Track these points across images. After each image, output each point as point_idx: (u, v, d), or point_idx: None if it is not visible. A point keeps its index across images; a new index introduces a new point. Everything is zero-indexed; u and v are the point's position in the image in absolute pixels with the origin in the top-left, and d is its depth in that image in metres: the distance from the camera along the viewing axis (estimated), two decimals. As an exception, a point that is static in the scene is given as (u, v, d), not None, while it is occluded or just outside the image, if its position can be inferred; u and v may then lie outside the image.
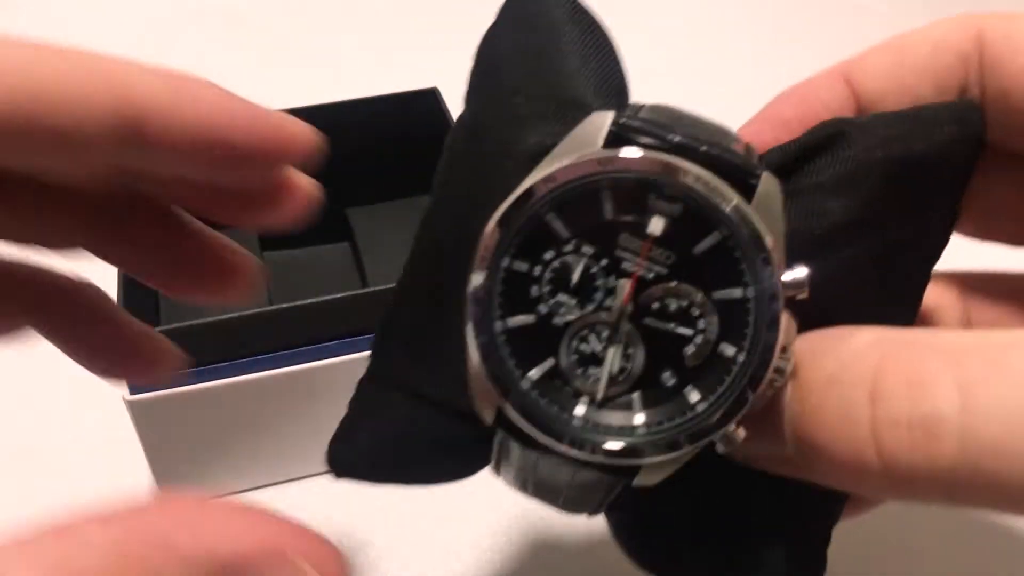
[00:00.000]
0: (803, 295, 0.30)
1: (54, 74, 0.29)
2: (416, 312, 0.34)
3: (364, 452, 0.36)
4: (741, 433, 0.30)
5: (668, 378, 0.31)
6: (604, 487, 0.32)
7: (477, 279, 0.31)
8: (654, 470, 0.31)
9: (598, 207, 0.31)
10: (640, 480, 0.31)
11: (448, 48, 1.10)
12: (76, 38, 1.13)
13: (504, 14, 0.40)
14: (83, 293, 0.39)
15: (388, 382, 0.35)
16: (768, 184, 0.30)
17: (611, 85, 0.36)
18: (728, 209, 0.30)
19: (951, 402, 0.25)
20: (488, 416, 0.31)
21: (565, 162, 0.31)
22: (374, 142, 0.70)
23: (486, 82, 0.37)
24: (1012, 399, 0.24)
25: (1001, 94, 0.33)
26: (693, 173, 0.30)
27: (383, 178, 0.74)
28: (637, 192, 0.31)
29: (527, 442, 0.31)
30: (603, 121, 0.31)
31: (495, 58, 0.37)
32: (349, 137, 0.97)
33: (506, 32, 0.38)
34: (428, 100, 0.72)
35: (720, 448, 0.31)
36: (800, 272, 0.30)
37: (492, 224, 0.31)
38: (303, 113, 0.89)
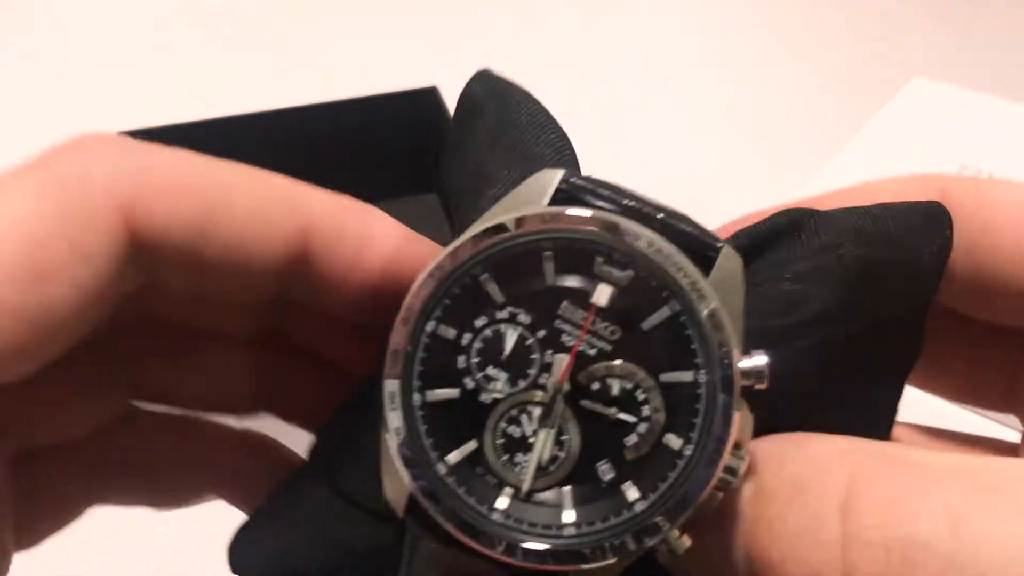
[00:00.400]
0: (762, 386, 0.27)
1: (236, 191, 0.28)
2: (357, 401, 0.32)
3: (270, 553, 0.32)
4: (685, 541, 0.27)
5: (605, 471, 0.28)
6: None
7: (397, 341, 0.28)
8: None
9: (538, 270, 0.28)
10: None
11: (448, 47, 1.10)
12: (75, 36, 1.13)
13: (467, 96, 0.38)
14: (264, 453, 0.36)
15: (315, 474, 0.32)
16: (729, 259, 0.28)
17: (565, 155, 0.33)
18: (683, 281, 0.28)
19: (937, 527, 0.23)
20: (399, 505, 0.28)
21: (503, 218, 0.28)
22: (373, 140, 0.70)
23: (459, 150, 0.36)
24: (1011, 531, 0.22)
25: (967, 258, 0.31)
26: (646, 238, 0.28)
27: (382, 176, 0.74)
28: (583, 256, 0.28)
29: (441, 539, 0.28)
30: (552, 178, 0.29)
31: (469, 122, 0.36)
32: (348, 135, 0.97)
33: (472, 108, 0.37)
34: (428, 99, 0.72)
35: (660, 557, 0.28)
36: (759, 360, 0.27)
37: (420, 279, 0.28)
38: (303, 112, 0.90)
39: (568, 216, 0.28)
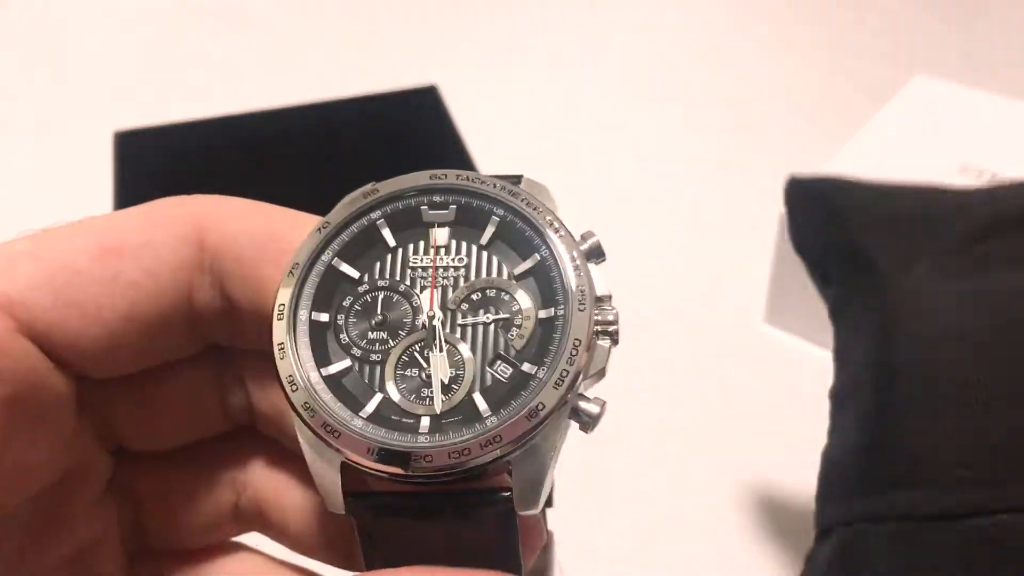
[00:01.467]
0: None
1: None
2: None
3: None
4: (595, 406, 0.31)
5: (503, 369, 0.32)
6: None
7: (279, 336, 0.32)
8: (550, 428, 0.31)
9: (378, 238, 0.34)
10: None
11: (448, 46, 1.10)
12: (74, 34, 1.13)
13: None
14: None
15: None
16: (530, 183, 0.34)
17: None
18: (498, 191, 0.33)
19: None
20: (334, 496, 0.31)
21: (338, 207, 0.34)
22: (373, 139, 0.70)
23: None
24: None
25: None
26: (453, 171, 0.33)
27: (381, 175, 0.74)
28: (410, 212, 0.34)
29: (397, 511, 0.32)
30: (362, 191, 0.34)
31: None
32: (348, 134, 0.97)
33: None
34: (427, 97, 0.71)
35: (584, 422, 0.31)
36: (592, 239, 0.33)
37: (283, 276, 0.32)
38: (303, 111, 0.89)
39: (386, 184, 0.34)
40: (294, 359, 0.31)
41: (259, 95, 0.96)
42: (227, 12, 1.12)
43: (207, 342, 0.35)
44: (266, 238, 0.33)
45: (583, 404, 0.31)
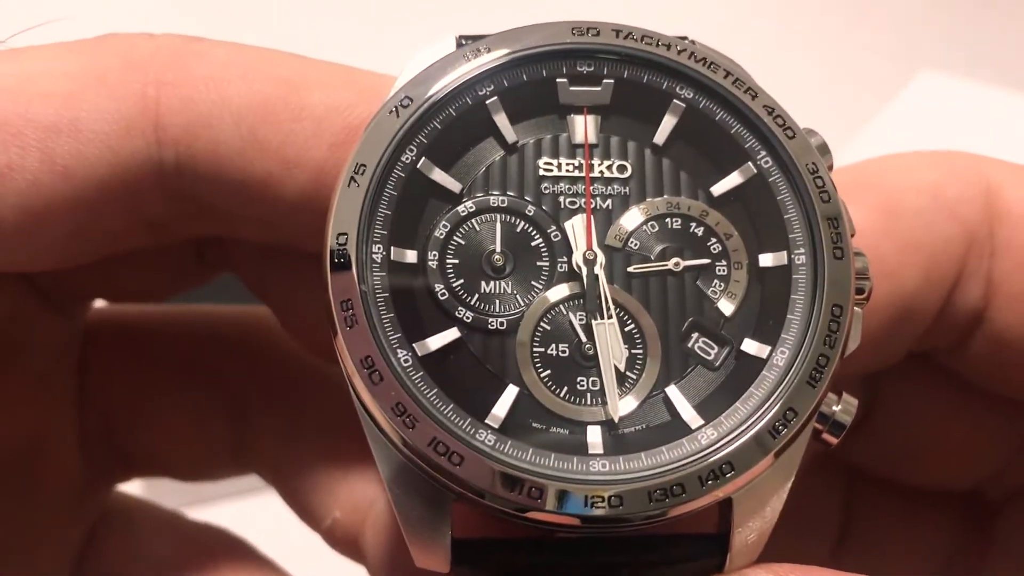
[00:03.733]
0: None
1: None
2: None
3: None
4: (849, 404, 0.21)
5: (704, 346, 0.21)
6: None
7: (341, 286, 0.20)
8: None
9: (489, 129, 0.21)
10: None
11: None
12: (72, 32, 1.11)
13: None
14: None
15: None
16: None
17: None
18: (685, 60, 0.21)
19: None
20: (435, 548, 0.20)
21: (421, 73, 0.21)
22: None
23: None
24: None
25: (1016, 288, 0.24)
26: (609, 24, 0.22)
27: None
28: (540, 87, 0.21)
29: (541, 569, 0.20)
30: (446, 40, 0.23)
31: None
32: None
33: None
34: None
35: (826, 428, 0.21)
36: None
37: (338, 187, 0.21)
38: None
39: (498, 38, 0.21)
40: (371, 330, 0.20)
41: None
42: (225, 11, 1.12)
43: (183, 236, 0.27)
44: (257, 116, 0.22)
45: (831, 406, 0.21)
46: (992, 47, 1.04)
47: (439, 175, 0.21)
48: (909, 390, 0.29)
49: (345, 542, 0.30)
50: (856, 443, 0.29)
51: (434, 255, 0.21)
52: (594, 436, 0.20)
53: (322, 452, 0.30)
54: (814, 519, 0.23)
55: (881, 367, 0.26)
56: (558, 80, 0.21)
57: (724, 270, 0.21)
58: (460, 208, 0.21)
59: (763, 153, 0.22)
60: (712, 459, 0.19)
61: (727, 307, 0.21)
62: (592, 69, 0.21)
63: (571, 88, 0.21)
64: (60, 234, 0.24)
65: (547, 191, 0.21)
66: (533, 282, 0.21)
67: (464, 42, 0.23)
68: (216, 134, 0.23)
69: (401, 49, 1.06)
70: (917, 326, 0.26)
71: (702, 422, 0.20)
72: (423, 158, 0.21)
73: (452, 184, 0.21)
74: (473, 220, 0.21)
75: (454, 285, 0.21)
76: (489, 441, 0.19)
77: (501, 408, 0.20)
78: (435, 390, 0.20)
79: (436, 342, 0.20)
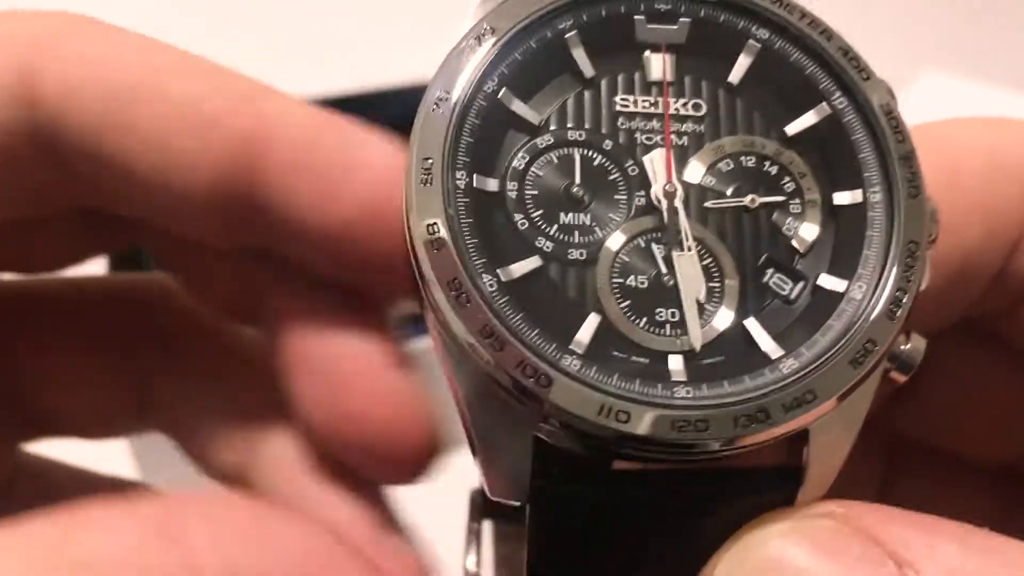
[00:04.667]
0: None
1: (171, 74, 0.25)
2: None
3: None
4: (919, 343, 0.21)
5: (779, 282, 0.21)
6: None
7: (427, 206, 0.20)
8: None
9: (569, 63, 0.22)
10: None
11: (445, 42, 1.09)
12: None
13: None
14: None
15: None
16: None
17: None
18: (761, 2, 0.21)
19: None
20: (516, 480, 0.20)
21: (505, 5, 0.21)
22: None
23: None
24: None
25: None
26: None
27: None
28: (618, 22, 0.22)
29: (621, 501, 0.20)
30: None
31: None
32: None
33: None
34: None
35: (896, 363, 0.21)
36: None
37: (422, 111, 0.21)
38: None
39: None
40: (457, 254, 0.20)
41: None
42: (222, 10, 1.11)
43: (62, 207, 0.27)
44: (123, 97, 0.23)
45: (900, 344, 0.21)
46: (995, 48, 1.04)
47: (519, 106, 0.21)
48: (958, 354, 0.29)
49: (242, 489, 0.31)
50: (899, 406, 0.28)
51: (514, 185, 0.21)
52: (676, 364, 0.20)
53: (221, 407, 0.31)
54: (853, 479, 0.23)
55: (933, 329, 0.25)
56: (635, 17, 0.22)
57: (798, 208, 0.22)
58: (539, 140, 0.21)
59: (838, 94, 0.22)
60: (796, 387, 0.20)
61: (802, 243, 0.21)
62: (670, 7, 0.22)
63: (648, 26, 0.22)
64: None
65: (623, 126, 0.21)
66: (612, 215, 0.21)
67: None
68: (83, 107, 0.24)
69: (399, 48, 1.06)
70: (975, 288, 0.26)
71: (782, 352, 0.20)
72: (504, 88, 0.21)
73: (531, 116, 0.21)
74: (551, 153, 0.21)
75: (533, 216, 0.21)
76: (575, 365, 0.20)
77: (584, 334, 0.20)
78: (520, 315, 0.20)
79: (518, 269, 0.21)
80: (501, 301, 0.20)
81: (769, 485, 0.21)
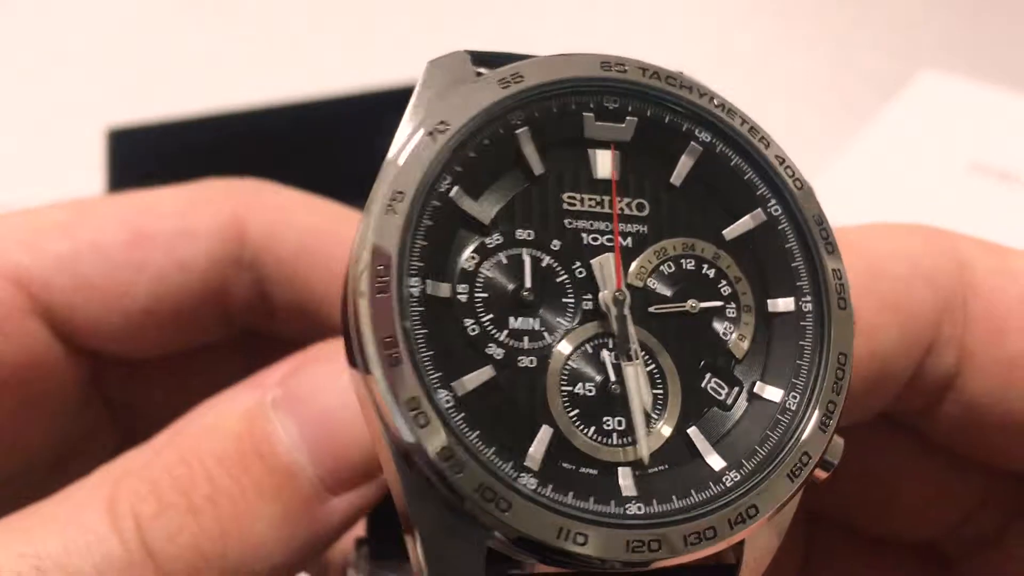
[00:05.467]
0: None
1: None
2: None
3: None
4: (838, 441, 0.21)
5: (716, 387, 0.21)
6: None
7: (385, 325, 0.19)
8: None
9: (518, 161, 0.21)
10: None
11: (445, 41, 1.09)
12: (67, 26, 1.10)
13: None
14: None
15: None
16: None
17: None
18: (706, 104, 0.22)
19: None
20: None
21: (456, 99, 0.20)
22: (372, 137, 0.69)
23: None
24: None
25: (993, 366, 0.26)
26: (635, 61, 0.22)
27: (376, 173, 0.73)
28: (567, 120, 0.21)
29: None
30: (457, 58, 0.22)
31: None
32: (348, 130, 0.96)
33: None
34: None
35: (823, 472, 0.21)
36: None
37: (374, 213, 0.20)
38: (304, 109, 0.88)
39: (530, 66, 0.21)
40: (415, 370, 0.19)
41: (251, 90, 0.95)
42: (220, 7, 1.11)
43: (240, 329, 0.33)
44: (311, 236, 0.30)
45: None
46: (993, 47, 1.04)
47: (469, 204, 0.21)
48: (874, 445, 0.30)
49: None
50: (816, 491, 0.29)
51: (464, 288, 0.20)
52: (625, 478, 0.20)
53: None
54: (774, 561, 0.24)
55: (851, 423, 0.26)
56: (585, 114, 0.21)
57: (734, 312, 0.21)
58: (488, 240, 0.21)
59: (773, 201, 0.22)
60: (739, 502, 0.20)
61: (738, 349, 0.21)
62: (618, 105, 0.21)
63: (597, 123, 0.21)
64: (171, 321, 0.30)
65: (570, 226, 0.21)
66: (559, 319, 0.21)
67: (474, 59, 0.22)
68: (280, 241, 0.30)
69: (397, 51, 1.06)
70: (892, 387, 0.27)
71: (724, 464, 0.20)
72: (456, 187, 0.20)
73: (481, 214, 0.21)
74: (500, 253, 0.21)
75: (484, 321, 0.20)
76: (531, 485, 0.19)
77: (538, 449, 0.20)
78: (476, 432, 0.19)
79: (472, 381, 0.20)
80: (458, 419, 0.19)
81: None
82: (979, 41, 1.05)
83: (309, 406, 0.25)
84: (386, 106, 0.76)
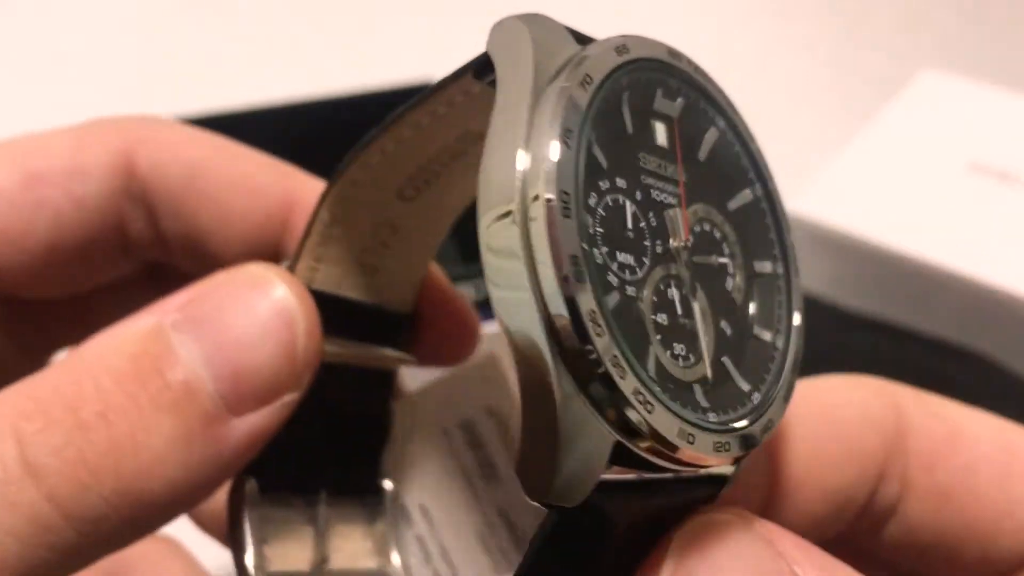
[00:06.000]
0: None
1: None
2: None
3: None
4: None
5: (728, 330, 0.25)
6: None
7: (568, 242, 0.22)
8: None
9: (620, 119, 0.24)
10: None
11: (444, 40, 1.09)
12: (65, 24, 1.11)
13: None
14: None
15: None
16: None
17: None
18: (726, 98, 0.27)
19: None
20: (581, 482, 0.22)
21: (593, 54, 0.24)
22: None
23: None
24: None
25: (924, 506, 0.31)
26: (684, 56, 0.27)
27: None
28: (647, 91, 0.25)
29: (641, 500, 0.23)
30: (550, 24, 0.27)
31: None
32: (349, 132, 0.96)
33: None
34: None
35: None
36: None
37: (549, 147, 0.22)
38: (304, 109, 0.88)
39: (631, 41, 0.25)
40: (592, 278, 0.21)
41: (250, 90, 0.95)
42: (222, 7, 1.11)
43: (145, 264, 0.34)
44: (198, 168, 0.32)
45: None
46: (993, 47, 1.04)
47: (597, 152, 0.24)
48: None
49: None
50: None
51: (589, 221, 0.23)
52: (697, 394, 0.24)
53: None
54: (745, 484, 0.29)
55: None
56: (657, 89, 0.25)
57: (733, 270, 0.26)
58: (602, 182, 0.23)
59: (758, 184, 0.27)
60: (765, 416, 0.25)
61: (738, 298, 0.26)
62: (676, 86, 0.26)
63: (663, 99, 0.26)
64: (73, 258, 0.31)
65: (644, 181, 0.24)
66: (644, 258, 0.24)
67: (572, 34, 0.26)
68: (168, 176, 0.32)
69: (397, 51, 1.05)
70: (848, 514, 0.33)
71: (749, 387, 0.25)
72: (593, 132, 0.24)
73: (602, 159, 0.23)
74: (608, 197, 0.23)
75: (605, 251, 0.23)
76: (656, 391, 0.22)
77: (651, 363, 0.23)
78: (626, 344, 0.22)
79: (612, 300, 0.22)
80: (614, 331, 0.22)
81: (713, 487, 0.26)
82: (979, 41, 1.05)
83: (210, 326, 0.26)
84: (386, 106, 0.76)
